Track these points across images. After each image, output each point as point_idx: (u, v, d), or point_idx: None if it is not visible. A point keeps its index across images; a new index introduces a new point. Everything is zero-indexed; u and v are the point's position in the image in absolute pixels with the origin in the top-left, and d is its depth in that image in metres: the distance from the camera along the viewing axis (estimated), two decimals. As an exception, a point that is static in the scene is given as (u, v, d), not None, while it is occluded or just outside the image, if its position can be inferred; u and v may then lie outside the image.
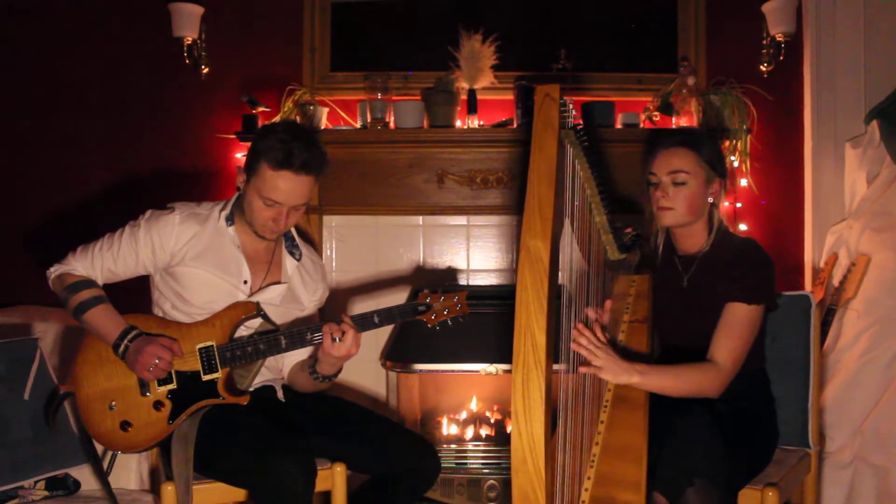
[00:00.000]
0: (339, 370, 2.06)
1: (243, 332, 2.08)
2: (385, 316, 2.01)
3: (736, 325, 1.88)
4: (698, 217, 2.01)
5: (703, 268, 2.02)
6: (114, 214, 2.23)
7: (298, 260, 2.20)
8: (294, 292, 2.18)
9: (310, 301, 2.23)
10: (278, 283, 2.15)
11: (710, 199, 2.01)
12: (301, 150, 1.94)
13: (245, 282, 2.08)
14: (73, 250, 2.08)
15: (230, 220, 2.09)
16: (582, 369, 1.67)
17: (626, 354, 1.78)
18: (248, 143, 3.04)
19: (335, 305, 2.97)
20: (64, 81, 3.25)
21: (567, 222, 1.54)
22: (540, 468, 1.17)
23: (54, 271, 2.06)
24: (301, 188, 1.98)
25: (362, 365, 3.08)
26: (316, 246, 3.08)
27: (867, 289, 2.73)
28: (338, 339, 1.94)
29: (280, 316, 2.14)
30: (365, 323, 1.99)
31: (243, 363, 2.03)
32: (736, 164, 3.02)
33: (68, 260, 2.06)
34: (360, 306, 3.12)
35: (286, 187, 1.96)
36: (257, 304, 2.06)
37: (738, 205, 3.10)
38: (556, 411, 1.52)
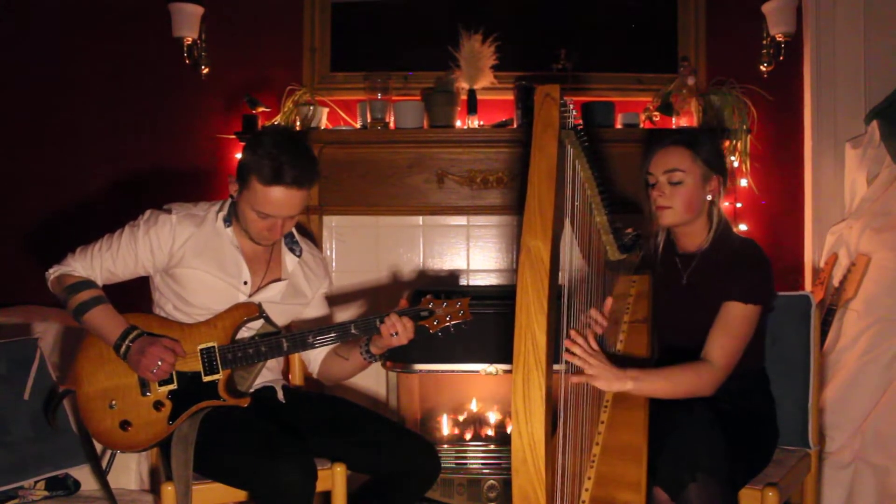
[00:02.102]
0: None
1: (245, 333, 2.08)
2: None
3: (732, 323, 1.88)
4: (697, 215, 2.01)
5: (703, 266, 2.02)
6: (114, 215, 2.22)
7: (299, 256, 2.20)
8: (297, 287, 2.18)
9: (314, 294, 2.23)
10: (278, 280, 2.15)
11: (709, 197, 2.01)
12: (291, 164, 1.92)
13: (245, 282, 2.08)
14: (72, 251, 2.07)
15: (227, 220, 2.09)
16: (574, 379, 1.66)
17: (623, 360, 1.78)
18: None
19: (335, 306, 2.97)
20: (64, 81, 3.25)
21: (567, 222, 1.54)
22: (540, 468, 1.17)
23: (53, 272, 2.05)
24: (293, 201, 1.96)
25: (362, 365, 3.08)
26: (316, 242, 3.08)
27: (867, 289, 2.73)
28: (396, 334, 1.98)
29: (282, 313, 2.14)
30: (367, 327, 1.99)
31: (244, 365, 2.03)
32: (736, 164, 3.02)
33: (67, 261, 2.05)
34: (361, 306, 3.12)
35: (278, 201, 1.95)
36: (259, 305, 2.06)
37: (738, 205, 3.10)
38: (556, 411, 1.52)
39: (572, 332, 1.68)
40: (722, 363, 1.85)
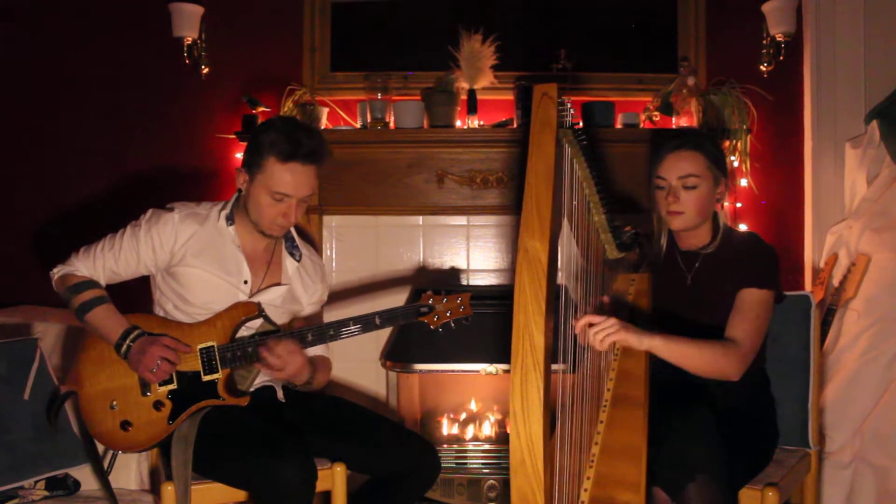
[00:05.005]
0: (310, 378, 2.06)
1: (244, 332, 2.08)
2: (387, 317, 2.01)
3: (751, 308, 1.89)
4: (707, 218, 2.02)
5: (708, 264, 2.02)
6: (114, 215, 2.23)
7: (299, 260, 2.20)
8: (294, 292, 2.19)
9: (308, 302, 2.23)
10: (279, 284, 2.15)
11: (718, 199, 2.01)
12: (307, 139, 1.97)
13: (245, 282, 2.08)
14: (75, 251, 2.08)
15: (230, 219, 2.09)
16: (608, 340, 1.66)
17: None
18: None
19: (335, 306, 2.97)
20: (64, 81, 3.26)
21: (565, 221, 1.54)
22: (539, 469, 1.17)
23: (57, 272, 2.06)
24: (309, 179, 2.00)
25: (362, 365, 3.09)
26: (316, 246, 3.08)
27: (867, 289, 2.73)
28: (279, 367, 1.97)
29: (280, 316, 2.14)
30: (366, 324, 2.00)
31: (244, 364, 2.03)
32: (736, 164, 3.02)
33: (71, 261, 2.06)
34: (361, 306, 3.11)
35: (295, 179, 1.97)
36: (258, 304, 2.06)
37: (738, 205, 3.10)
38: (554, 411, 1.52)
39: (581, 320, 1.68)
40: (747, 345, 1.85)
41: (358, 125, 3.10)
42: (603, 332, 1.66)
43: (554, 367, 1.27)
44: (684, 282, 2.06)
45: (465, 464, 2.88)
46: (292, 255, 2.19)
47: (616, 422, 1.71)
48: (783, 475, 1.98)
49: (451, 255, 3.17)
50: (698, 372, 1.79)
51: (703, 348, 1.80)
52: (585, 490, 1.54)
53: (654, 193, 2.04)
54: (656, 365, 1.83)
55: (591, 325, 1.67)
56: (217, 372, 2.01)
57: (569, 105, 1.47)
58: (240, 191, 2.07)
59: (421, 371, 2.86)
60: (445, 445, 2.94)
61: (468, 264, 3.17)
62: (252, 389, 2.09)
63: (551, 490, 1.28)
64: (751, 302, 1.89)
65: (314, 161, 1.99)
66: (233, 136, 3.12)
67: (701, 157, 1.97)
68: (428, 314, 2.00)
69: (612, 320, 1.68)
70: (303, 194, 2.00)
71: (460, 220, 3.16)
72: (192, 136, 3.22)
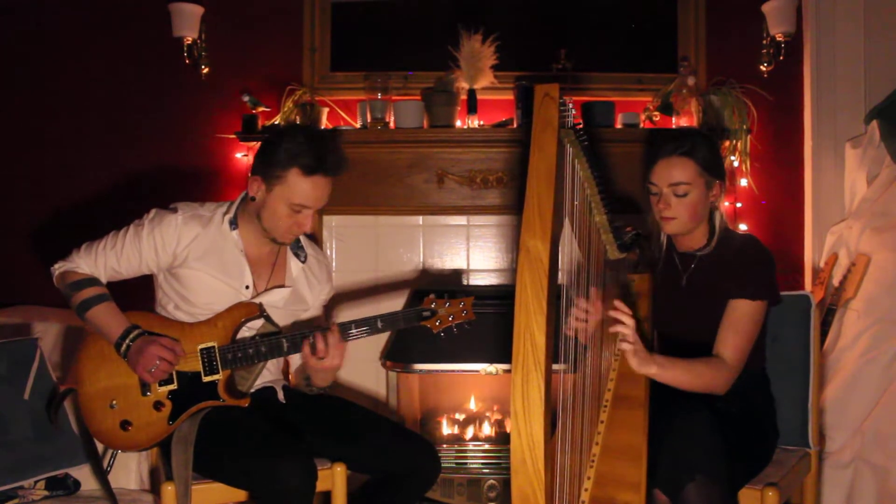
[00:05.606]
0: (333, 380, 2.06)
1: (245, 332, 2.07)
2: (389, 321, 2.01)
3: (740, 321, 1.89)
4: (701, 222, 2.02)
5: (704, 266, 2.02)
6: (114, 215, 2.23)
7: (304, 262, 2.19)
8: (299, 293, 2.18)
9: (315, 301, 2.23)
10: (282, 286, 2.14)
11: (712, 201, 2.01)
12: (330, 152, 1.97)
13: (247, 287, 2.08)
14: (77, 247, 2.07)
15: (233, 223, 2.08)
16: (624, 345, 1.70)
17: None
18: (249, 143, 3.07)
19: (335, 306, 2.97)
20: (65, 81, 3.25)
21: (566, 222, 1.54)
22: (539, 469, 1.17)
23: (58, 268, 2.05)
24: (328, 190, 2.01)
25: (362, 365, 3.08)
26: (317, 243, 3.07)
27: (867, 289, 2.73)
28: (322, 354, 1.94)
29: (283, 317, 2.14)
30: (369, 328, 1.99)
31: (244, 365, 2.03)
32: (736, 164, 3.02)
33: (72, 257, 2.05)
34: (360, 307, 3.11)
35: (317, 192, 1.98)
36: (260, 305, 2.06)
37: (738, 205, 3.10)
38: (555, 411, 1.52)
39: (616, 303, 1.70)
40: (735, 362, 1.88)
41: (358, 125, 3.10)
42: (623, 335, 1.70)
43: (555, 367, 1.27)
44: (679, 283, 2.06)
45: (465, 464, 2.88)
46: (297, 256, 2.18)
47: (617, 422, 1.71)
48: (783, 475, 1.98)
49: (451, 256, 3.17)
50: (689, 390, 1.83)
51: (694, 371, 1.83)
52: (586, 490, 1.55)
53: (648, 198, 2.04)
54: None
55: (616, 310, 1.70)
56: (217, 373, 2.01)
57: (570, 105, 1.47)
58: (246, 195, 2.06)
59: (421, 371, 2.86)
60: (445, 445, 2.94)
61: (468, 264, 3.17)
62: (252, 391, 2.09)
63: (552, 490, 1.28)
64: (741, 315, 1.90)
65: (336, 173, 1.99)
66: (233, 136, 3.12)
67: (691, 164, 1.96)
68: (430, 318, 1.99)
69: (634, 334, 1.71)
70: (320, 205, 2.02)
71: (460, 220, 3.16)
72: (192, 136, 3.22)
